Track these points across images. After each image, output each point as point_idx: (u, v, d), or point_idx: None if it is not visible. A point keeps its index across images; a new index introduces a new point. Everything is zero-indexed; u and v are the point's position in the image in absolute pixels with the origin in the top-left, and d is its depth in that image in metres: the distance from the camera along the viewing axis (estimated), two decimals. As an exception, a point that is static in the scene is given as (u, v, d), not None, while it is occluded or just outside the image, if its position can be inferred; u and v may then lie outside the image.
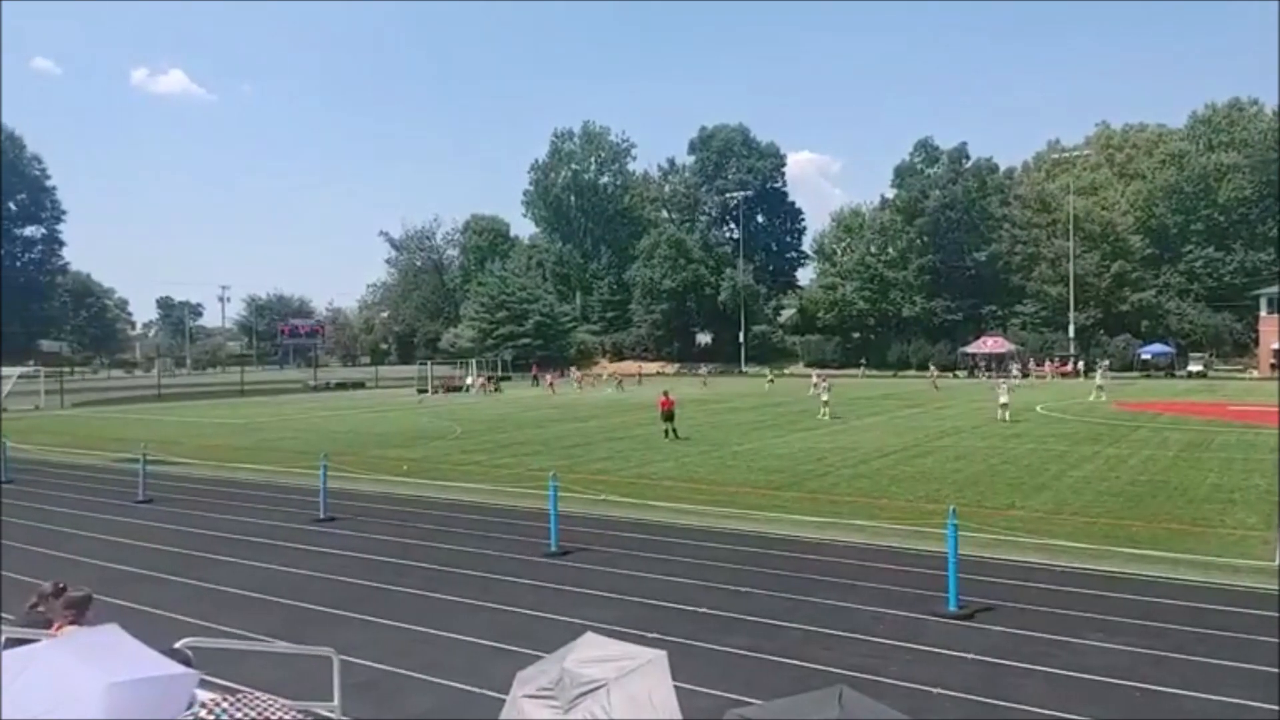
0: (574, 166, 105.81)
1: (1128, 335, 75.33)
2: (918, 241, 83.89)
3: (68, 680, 2.48)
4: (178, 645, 4.23)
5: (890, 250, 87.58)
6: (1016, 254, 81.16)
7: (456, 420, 35.24)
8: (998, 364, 69.93)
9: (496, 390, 58.04)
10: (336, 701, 5.29)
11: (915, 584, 10.78)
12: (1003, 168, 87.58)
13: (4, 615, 6.02)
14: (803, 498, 17.05)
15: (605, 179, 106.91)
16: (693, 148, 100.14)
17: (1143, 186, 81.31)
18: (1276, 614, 9.47)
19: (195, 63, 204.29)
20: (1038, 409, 36.80)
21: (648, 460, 22.68)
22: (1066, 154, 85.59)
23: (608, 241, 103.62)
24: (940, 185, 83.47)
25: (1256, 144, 78.35)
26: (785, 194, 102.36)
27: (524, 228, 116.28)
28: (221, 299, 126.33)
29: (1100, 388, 44.23)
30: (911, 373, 72.33)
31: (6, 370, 51.20)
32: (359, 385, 67.40)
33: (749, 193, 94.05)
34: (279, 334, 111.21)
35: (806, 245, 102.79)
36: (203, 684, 3.20)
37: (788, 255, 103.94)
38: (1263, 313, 69.36)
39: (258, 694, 2.60)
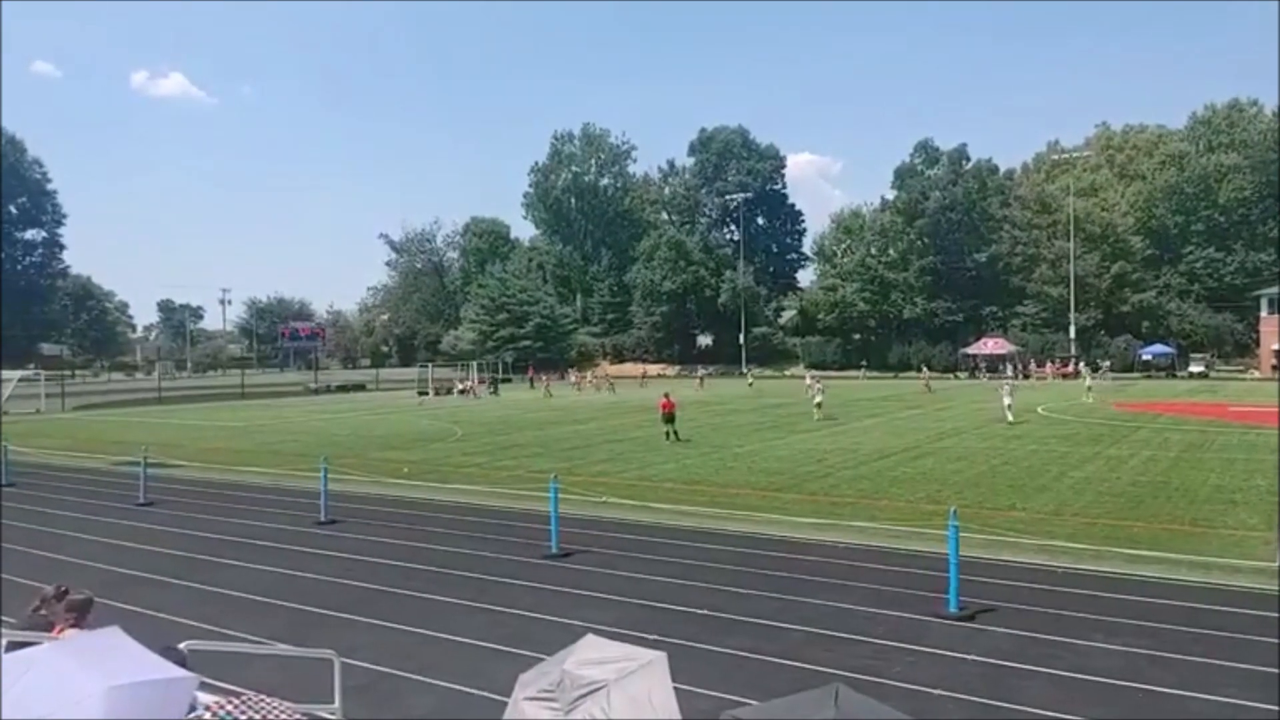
0: (574, 168, 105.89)
1: (1128, 336, 75.33)
2: (918, 243, 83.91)
3: (68, 683, 2.49)
4: (178, 648, 4.24)
5: (891, 252, 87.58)
6: (1017, 255, 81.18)
7: (457, 422, 35.24)
8: (1001, 365, 69.95)
9: (494, 393, 57.98)
10: (338, 704, 5.29)
11: (916, 585, 10.78)
12: (1003, 169, 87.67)
13: (5, 618, 6.03)
14: (803, 499, 17.04)
15: (605, 181, 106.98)
16: (693, 150, 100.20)
17: (1143, 187, 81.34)
18: (1277, 614, 9.47)
19: (195, 65, 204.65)
20: (1039, 410, 36.79)
21: (648, 462, 22.68)
22: (1067, 155, 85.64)
23: (608, 243, 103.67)
24: (940, 186, 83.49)
25: (1256, 144, 78.37)
26: (785, 196, 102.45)
27: (524, 230, 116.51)
28: (222, 302, 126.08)
29: (1089, 389, 44.27)
30: (912, 374, 72.25)
31: (7, 373, 51.23)
32: (359, 388, 67.42)
33: (749, 194, 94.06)
34: (279, 337, 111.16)
35: (807, 247, 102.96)
36: (204, 687, 3.20)
37: (788, 257, 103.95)
38: (1263, 313, 69.37)
39: (259, 696, 2.61)
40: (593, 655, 3.66)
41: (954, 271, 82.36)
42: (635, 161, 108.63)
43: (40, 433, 34.05)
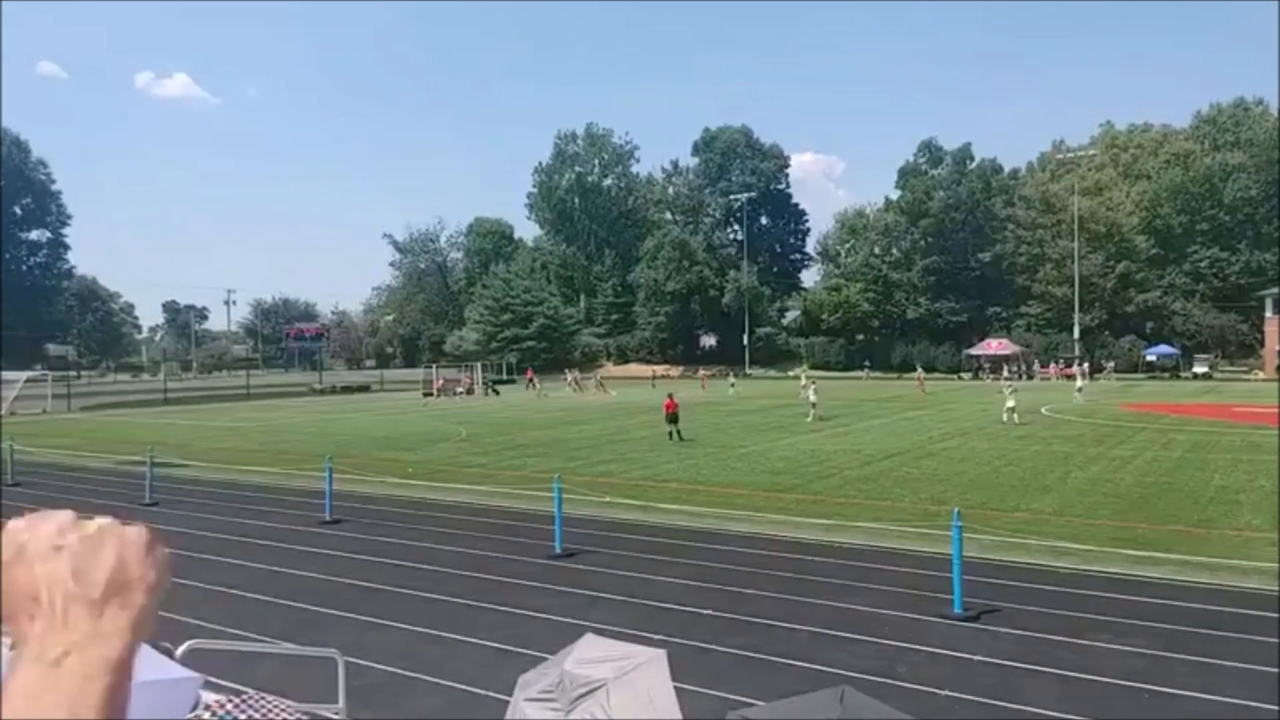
0: (578, 169, 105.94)
1: (1133, 336, 75.15)
2: (922, 243, 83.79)
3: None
4: (182, 648, 4.25)
5: (894, 251, 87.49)
6: (1021, 255, 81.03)
7: (462, 423, 35.26)
8: (1005, 366, 69.82)
9: (495, 393, 57.84)
10: (341, 703, 5.29)
11: (920, 586, 10.77)
12: (1007, 168, 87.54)
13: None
14: (807, 500, 17.03)
15: (609, 181, 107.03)
16: (696, 149, 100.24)
17: (1148, 187, 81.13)
18: (1278, 614, 9.45)
19: (200, 66, 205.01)
20: (1042, 410, 36.72)
21: (652, 463, 22.68)
22: (1071, 154, 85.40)
23: (612, 244, 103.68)
24: (944, 186, 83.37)
25: (1262, 144, 78.11)
26: (789, 195, 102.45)
27: (528, 230, 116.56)
28: (227, 303, 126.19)
29: (1080, 389, 44.22)
30: (925, 375, 72.14)
31: (13, 374, 51.38)
32: (364, 389, 67.48)
33: (753, 194, 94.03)
34: (284, 337, 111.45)
35: (810, 247, 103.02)
36: (208, 685, 3.20)
37: (792, 257, 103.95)
38: (1268, 314, 69.16)
39: (261, 695, 2.61)
40: (592, 654, 3.66)
41: (958, 271, 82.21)
42: (639, 161, 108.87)
43: (46, 432, 34.14)
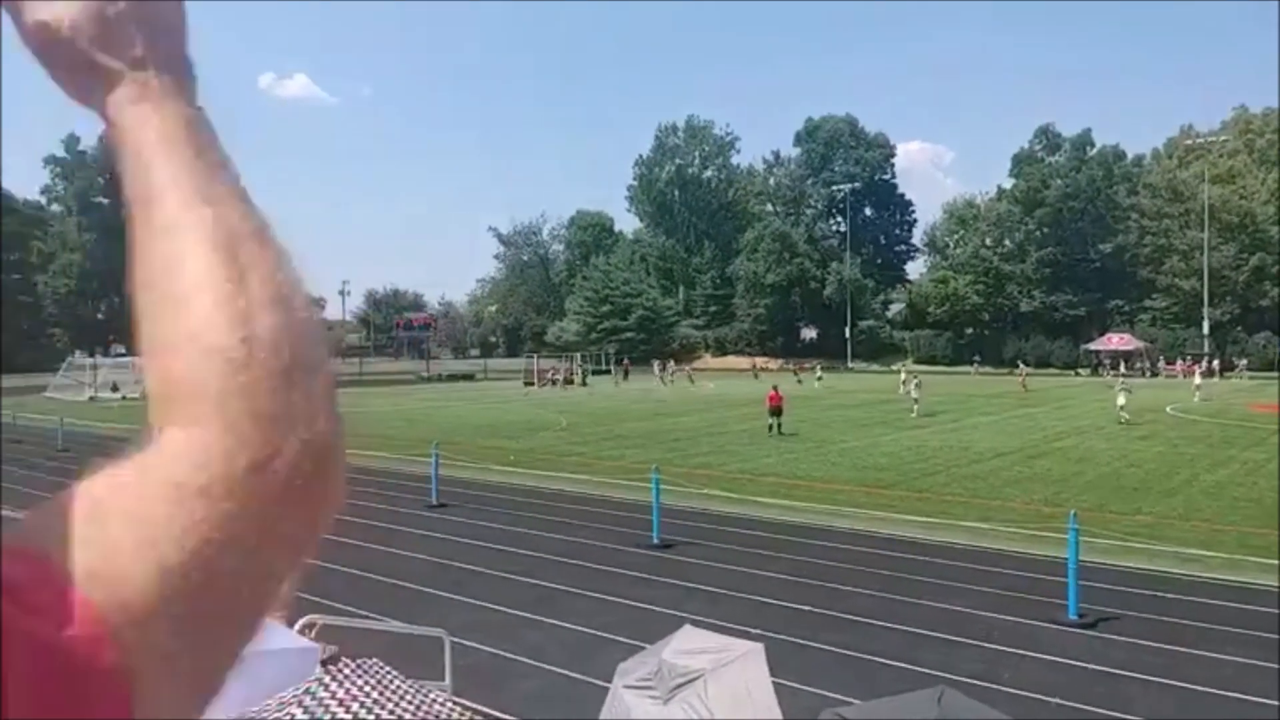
0: (678, 161, 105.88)
1: (1268, 333, 70.33)
2: (1037, 233, 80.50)
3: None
4: (300, 621, 4.47)
5: (1007, 242, 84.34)
6: (1145, 246, 76.90)
7: (562, 413, 35.84)
8: (1124, 362, 66.50)
9: (583, 384, 58.37)
10: (448, 681, 5.47)
11: (1032, 590, 10.38)
12: (1131, 155, 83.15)
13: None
14: (911, 497, 16.62)
15: (709, 173, 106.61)
16: (798, 140, 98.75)
17: (1286, 173, 75.64)
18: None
19: (318, 66, 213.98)
20: (1167, 409, 34.79)
21: (750, 456, 22.54)
22: (1201, 140, 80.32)
23: (711, 235, 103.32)
24: (1062, 174, 79.80)
25: None
26: (895, 185, 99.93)
27: (628, 223, 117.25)
28: (342, 293, 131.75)
29: (1198, 386, 41.57)
30: (1028, 370, 69.33)
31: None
32: (469, 377, 69.36)
33: (856, 185, 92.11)
34: (394, 327, 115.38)
35: (917, 238, 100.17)
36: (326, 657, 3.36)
37: (897, 248, 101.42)
38: None
39: (377, 662, 2.73)
40: (690, 645, 3.67)
41: (1076, 263, 78.68)
42: (739, 153, 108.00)
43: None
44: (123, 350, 65.08)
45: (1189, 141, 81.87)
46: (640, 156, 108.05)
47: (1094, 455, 22.12)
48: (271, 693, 2.56)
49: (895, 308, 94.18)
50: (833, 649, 8.64)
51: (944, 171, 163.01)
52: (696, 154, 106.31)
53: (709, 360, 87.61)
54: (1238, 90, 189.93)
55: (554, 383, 57.28)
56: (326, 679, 2.59)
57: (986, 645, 8.73)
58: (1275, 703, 7.27)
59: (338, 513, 0.59)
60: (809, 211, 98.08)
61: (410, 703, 2.62)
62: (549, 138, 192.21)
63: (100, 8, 0.59)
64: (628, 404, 41.00)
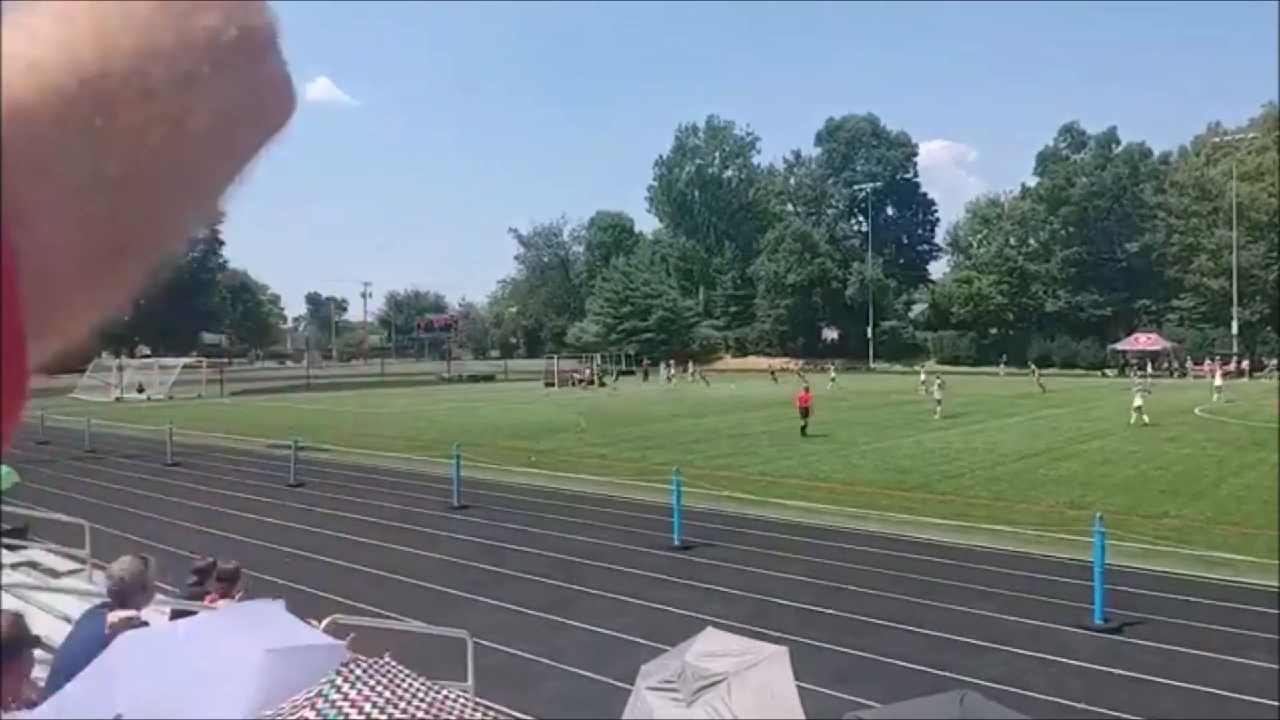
0: (698, 161, 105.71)
1: (1299, 332, 69.24)
2: (1062, 232, 79.67)
3: (230, 646, 2.71)
4: (325, 621, 4.51)
5: (1031, 242, 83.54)
6: (1173, 245, 75.88)
7: (581, 414, 35.89)
8: (1150, 362, 65.68)
9: (602, 385, 58.30)
10: (470, 682, 5.49)
11: (1057, 593, 10.28)
12: (1157, 152, 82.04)
13: (168, 589, 6.56)
14: (934, 499, 16.49)
15: (729, 173, 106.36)
16: (819, 139, 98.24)
17: (1318, 171, 74.37)
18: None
19: (340, 69, 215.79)
20: (1195, 411, 34.30)
21: (771, 458, 22.47)
22: (1229, 137, 79.17)
23: (731, 236, 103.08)
24: (1087, 172, 78.92)
25: None
26: (917, 184, 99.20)
27: (648, 223, 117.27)
28: (364, 294, 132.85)
29: (1218, 388, 40.84)
30: (1054, 370, 68.61)
31: (173, 361, 55.67)
32: (489, 378, 69.63)
33: (878, 184, 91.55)
34: (415, 328, 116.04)
35: (940, 238, 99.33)
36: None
37: (919, 248, 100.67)
38: None
39: (394, 663, 2.75)
40: (714, 647, 3.66)
41: (1102, 263, 77.76)
42: (760, 153, 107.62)
43: (203, 416, 36.80)
44: (148, 352, 66.02)
45: (1216, 139, 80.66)
46: (660, 157, 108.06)
47: (1121, 457, 21.85)
48: (297, 689, 2.59)
49: (918, 308, 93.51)
50: (854, 652, 8.59)
51: (967, 170, 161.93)
52: (717, 154, 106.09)
53: (729, 361, 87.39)
54: (1266, 87, 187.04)
55: (581, 383, 57.51)
56: (339, 680, 2.60)
57: (1009, 649, 8.65)
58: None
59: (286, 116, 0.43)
60: (830, 211, 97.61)
61: (424, 702, 2.63)
62: (569, 138, 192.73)
63: None
64: (647, 405, 40.96)
